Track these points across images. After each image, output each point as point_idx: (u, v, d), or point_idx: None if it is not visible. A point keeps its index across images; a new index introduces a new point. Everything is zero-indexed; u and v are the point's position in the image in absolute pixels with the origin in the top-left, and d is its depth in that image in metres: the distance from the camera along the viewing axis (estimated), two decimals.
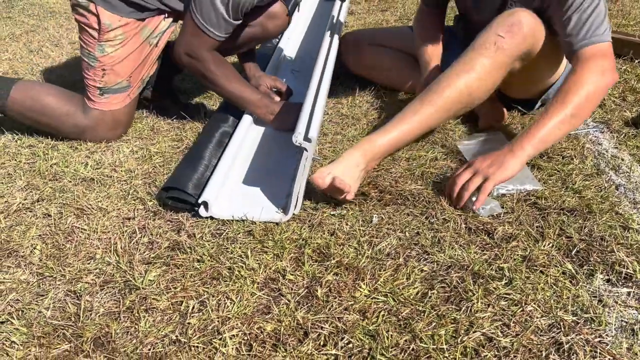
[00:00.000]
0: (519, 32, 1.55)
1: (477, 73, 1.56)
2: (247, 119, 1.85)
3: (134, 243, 1.39)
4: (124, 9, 1.74)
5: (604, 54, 1.53)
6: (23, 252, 1.37)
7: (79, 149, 1.82)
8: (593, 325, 1.12)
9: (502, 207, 1.47)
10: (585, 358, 1.04)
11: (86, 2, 1.71)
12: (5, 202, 1.56)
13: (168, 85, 2.10)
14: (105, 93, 1.79)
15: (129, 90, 1.82)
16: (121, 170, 1.70)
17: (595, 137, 1.80)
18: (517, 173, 1.47)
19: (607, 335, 1.10)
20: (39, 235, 1.42)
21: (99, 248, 1.37)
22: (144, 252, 1.36)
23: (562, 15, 1.55)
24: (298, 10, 1.98)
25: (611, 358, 1.04)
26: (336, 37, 2.00)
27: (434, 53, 1.96)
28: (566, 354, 1.06)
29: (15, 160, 1.77)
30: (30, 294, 1.24)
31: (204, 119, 2.03)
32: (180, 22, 1.81)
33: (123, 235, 1.41)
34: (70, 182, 1.65)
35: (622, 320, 1.13)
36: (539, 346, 1.07)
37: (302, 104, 1.85)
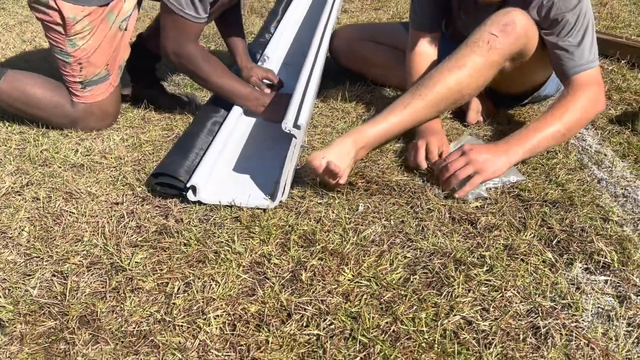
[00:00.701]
0: (512, 32, 1.57)
1: (468, 70, 1.59)
2: (237, 109, 1.87)
3: (121, 227, 1.40)
4: None
5: (597, 81, 1.61)
6: (11, 233, 1.38)
7: (70, 136, 1.83)
8: (570, 310, 1.14)
9: (487, 199, 1.50)
10: (561, 341, 1.07)
11: None
12: None
13: (151, 77, 2.11)
14: (87, 86, 1.79)
15: (110, 79, 1.82)
16: (111, 157, 1.71)
17: (580, 133, 1.83)
18: (504, 173, 1.51)
19: (583, 320, 1.12)
20: (28, 217, 1.44)
21: (86, 231, 1.39)
22: (132, 235, 1.37)
23: (554, 39, 1.60)
24: None
25: (586, 342, 1.07)
26: (329, 29, 2.03)
27: None
28: (543, 337, 1.08)
29: (6, 145, 1.78)
30: (17, 273, 1.26)
31: (195, 110, 2.05)
32: (148, 6, 1.80)
33: (111, 219, 1.43)
34: (60, 167, 1.66)
35: (598, 307, 1.16)
36: (516, 330, 1.10)
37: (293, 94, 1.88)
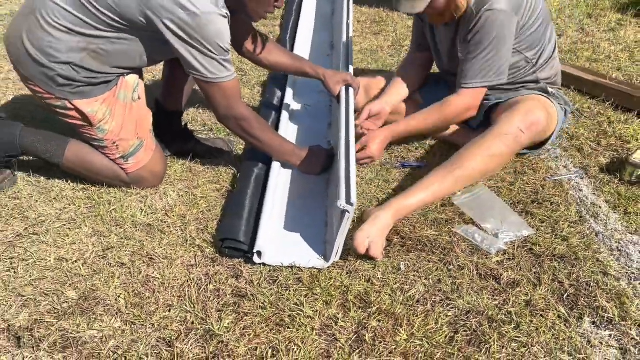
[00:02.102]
0: (535, 130, 2.00)
1: (496, 158, 1.97)
2: (276, 164, 2.10)
3: (202, 290, 1.64)
4: (94, 91, 1.88)
5: (474, 98, 2.12)
6: (110, 300, 1.61)
7: (130, 193, 2.05)
8: None
9: (505, 254, 1.78)
10: None
11: (61, 102, 1.86)
12: (79, 249, 1.79)
13: (184, 132, 2.32)
14: (129, 158, 2.00)
15: (145, 144, 2.03)
16: (174, 216, 1.94)
17: (577, 183, 2.12)
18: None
19: None
20: (120, 284, 1.66)
21: (174, 296, 1.63)
22: (213, 299, 1.62)
23: (468, 55, 2.07)
24: None
25: None
26: (352, 95, 2.25)
27: (395, 87, 2.39)
28: None
29: (75, 204, 1.99)
30: (127, 340, 1.49)
31: (231, 152, 2.33)
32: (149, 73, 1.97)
33: (192, 283, 1.67)
34: (132, 228, 1.88)
35: (605, 359, 1.46)
36: None
37: (327, 150, 2.13)
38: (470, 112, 2.14)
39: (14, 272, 1.70)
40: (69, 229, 1.88)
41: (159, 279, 1.69)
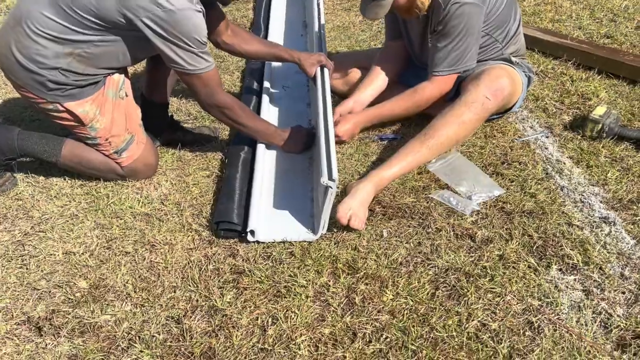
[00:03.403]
0: (501, 96, 2.13)
1: (465, 125, 2.10)
2: (261, 146, 2.23)
3: (203, 271, 1.79)
4: (84, 93, 1.98)
5: (446, 85, 2.25)
6: (119, 287, 1.75)
7: (126, 185, 2.17)
8: (552, 306, 1.60)
9: (479, 214, 1.93)
10: (549, 332, 1.53)
11: (53, 105, 1.97)
12: (84, 242, 1.92)
13: (170, 123, 2.44)
14: (121, 152, 2.12)
15: (136, 138, 2.14)
16: (169, 204, 2.07)
17: (542, 142, 2.27)
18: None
19: (562, 312, 1.59)
20: (127, 271, 1.80)
21: (178, 278, 1.77)
22: (214, 278, 1.76)
23: (438, 44, 2.18)
24: None
25: (566, 330, 1.53)
26: (327, 75, 2.37)
27: (369, 82, 2.49)
28: (536, 330, 1.54)
29: (75, 200, 2.11)
30: (138, 321, 1.64)
31: (217, 139, 2.45)
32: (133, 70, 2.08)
33: (193, 265, 1.81)
34: (131, 218, 2.01)
35: (571, 300, 1.62)
36: (517, 326, 1.55)
37: (307, 129, 2.26)
38: (441, 96, 2.27)
39: (27, 268, 1.83)
40: (73, 224, 2.01)
41: (162, 263, 1.82)
